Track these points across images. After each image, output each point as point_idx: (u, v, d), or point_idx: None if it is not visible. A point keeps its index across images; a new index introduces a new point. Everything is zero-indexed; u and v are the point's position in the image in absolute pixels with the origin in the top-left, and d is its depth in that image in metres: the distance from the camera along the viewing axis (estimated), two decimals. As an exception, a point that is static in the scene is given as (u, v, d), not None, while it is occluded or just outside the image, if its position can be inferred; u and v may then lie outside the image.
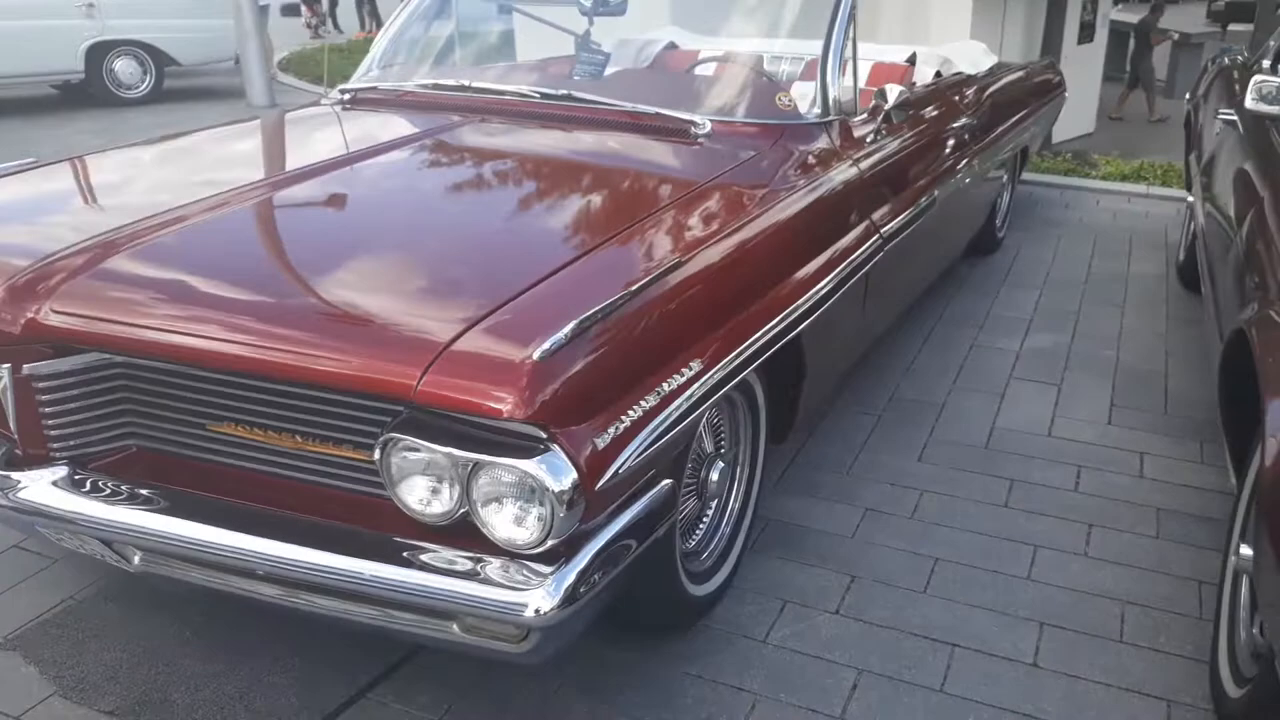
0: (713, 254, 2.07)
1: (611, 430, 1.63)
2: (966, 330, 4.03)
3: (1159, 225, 5.51)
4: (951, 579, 2.47)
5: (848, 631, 2.28)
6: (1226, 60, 5.09)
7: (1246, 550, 1.85)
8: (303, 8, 15.71)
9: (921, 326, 4.05)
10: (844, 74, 2.95)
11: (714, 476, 2.21)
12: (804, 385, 2.46)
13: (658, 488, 1.82)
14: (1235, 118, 3.43)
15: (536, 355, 1.54)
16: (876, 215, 2.78)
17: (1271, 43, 4.21)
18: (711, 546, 2.34)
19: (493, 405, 1.53)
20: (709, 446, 2.23)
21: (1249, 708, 1.86)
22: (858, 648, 2.23)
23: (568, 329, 1.59)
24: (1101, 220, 5.65)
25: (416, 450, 1.63)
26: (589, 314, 1.64)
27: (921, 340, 3.92)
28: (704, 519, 2.33)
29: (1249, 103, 2.71)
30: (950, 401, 3.42)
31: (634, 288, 1.76)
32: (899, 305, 3.37)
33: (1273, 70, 3.77)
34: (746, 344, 2.05)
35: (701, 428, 2.15)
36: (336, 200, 2.25)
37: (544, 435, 1.56)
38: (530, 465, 1.54)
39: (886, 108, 2.95)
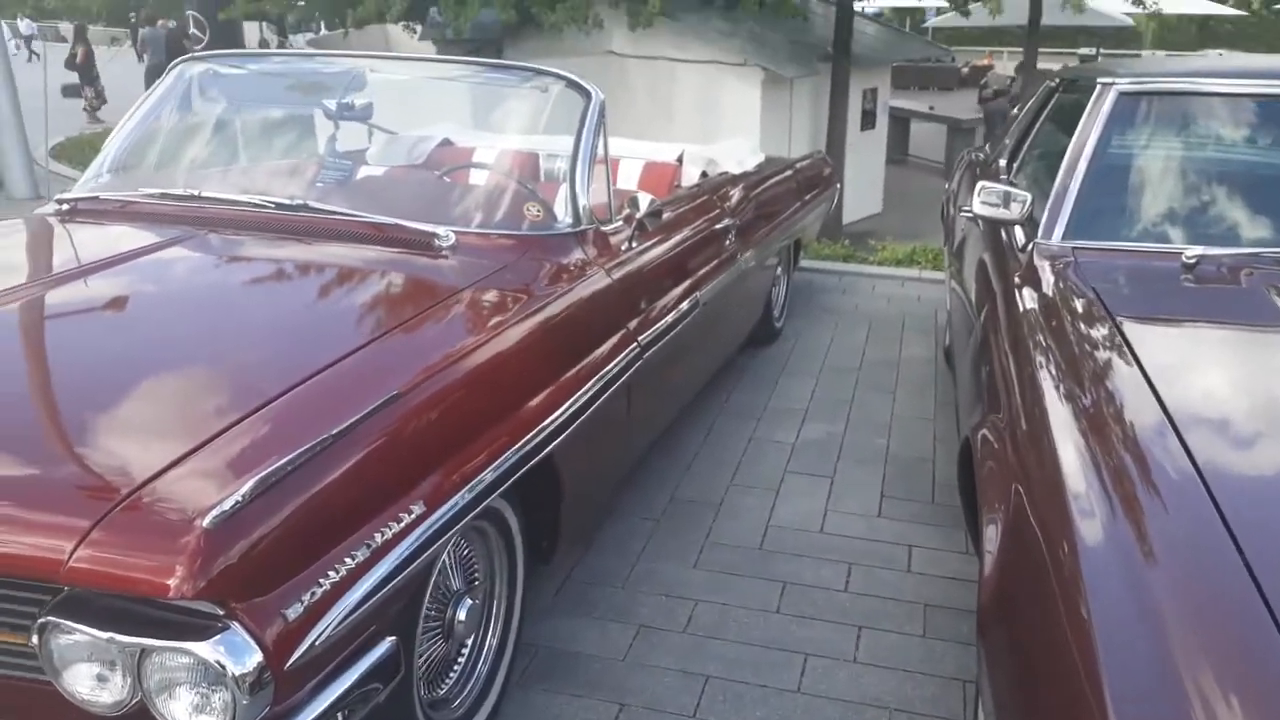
0: (444, 379, 1.95)
1: (306, 598, 1.46)
2: (746, 423, 4.05)
3: (929, 309, 5.79)
4: (722, 698, 2.39)
5: (612, 771, 2.15)
6: (974, 155, 5.46)
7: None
8: (85, 88, 14.79)
9: (703, 420, 4.05)
10: (608, 176, 2.94)
11: (461, 616, 2.06)
12: (563, 505, 2.36)
13: (378, 648, 1.65)
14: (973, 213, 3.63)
15: (206, 522, 1.37)
16: (633, 324, 2.74)
17: (1007, 142, 4.52)
18: (467, 690, 2.17)
19: (156, 582, 1.34)
20: (457, 584, 2.08)
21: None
22: (621, 790, 2.11)
23: (246, 488, 1.42)
24: (876, 305, 5.89)
25: (75, 634, 1.41)
26: (276, 467, 1.48)
27: (703, 435, 3.91)
28: (457, 662, 2.16)
29: (976, 207, 2.85)
30: (728, 500, 3.39)
31: (335, 430, 1.61)
32: (670, 410, 3.34)
33: (1007, 169, 4.03)
34: (485, 472, 1.93)
35: (446, 565, 2.00)
36: (5, 336, 2.00)
37: (220, 612, 1.37)
38: (204, 648, 1.35)
39: (639, 216, 2.93)
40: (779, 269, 4.91)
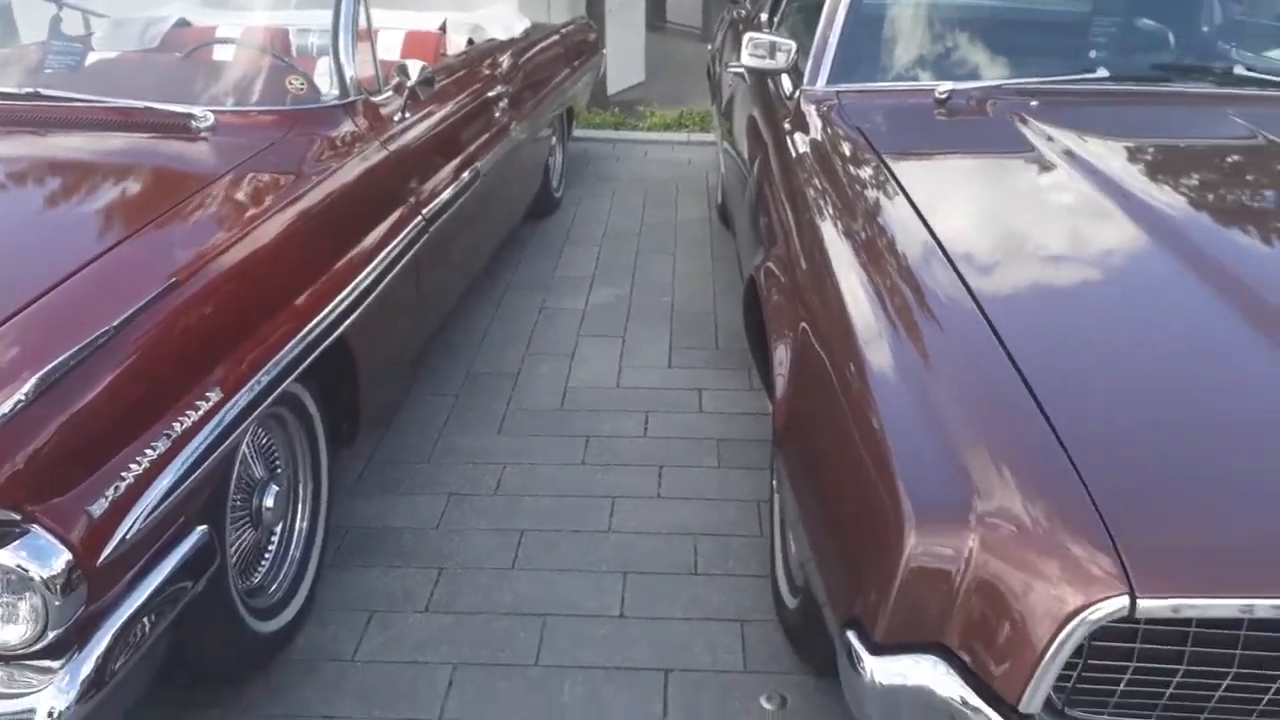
0: (223, 264, 1.87)
1: (110, 493, 1.42)
2: (535, 294, 4.10)
3: (700, 171, 5.95)
4: (538, 548, 2.50)
5: (439, 628, 2.23)
6: (735, 13, 5.57)
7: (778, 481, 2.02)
8: None
9: (492, 295, 4.06)
10: (373, 46, 2.82)
11: (269, 503, 2.04)
12: (360, 385, 2.34)
13: (190, 538, 1.62)
14: (742, 69, 3.74)
15: (-13, 426, 1.29)
16: (414, 197, 2.70)
17: (764, -2, 4.64)
18: (281, 576, 2.16)
19: (-62, 492, 1.26)
20: (259, 472, 2.05)
21: (802, 615, 2.05)
22: (450, 642, 2.19)
23: (29, 386, 1.35)
24: (650, 171, 6.00)
25: None
26: (56, 364, 1.40)
27: (493, 309, 3.93)
28: (268, 549, 2.14)
29: (745, 59, 2.94)
30: (525, 368, 3.46)
31: (115, 322, 1.54)
32: (459, 284, 3.33)
33: (769, 24, 4.16)
34: (278, 357, 1.89)
35: (246, 455, 1.96)
36: None
37: (17, 517, 1.31)
38: (5, 555, 1.29)
39: (410, 84, 2.85)
40: (553, 138, 4.89)
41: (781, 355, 1.87)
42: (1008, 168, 2.35)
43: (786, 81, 2.98)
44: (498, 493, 2.74)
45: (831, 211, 2.11)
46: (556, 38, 5.03)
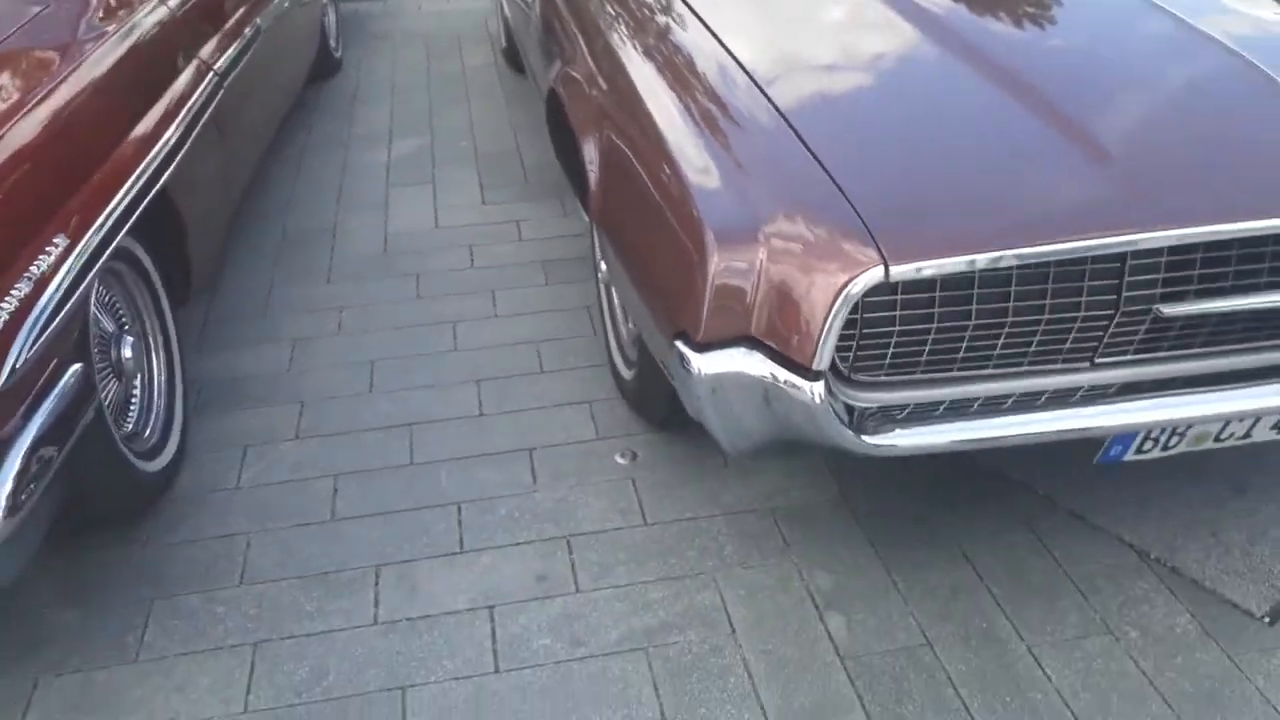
0: (39, 120, 1.90)
1: (-9, 327, 1.50)
2: (335, 152, 4.12)
3: (478, 20, 5.93)
4: (390, 373, 2.68)
5: (312, 449, 2.40)
6: None
7: (604, 264, 2.26)
8: None
9: (290, 158, 4.05)
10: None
11: (127, 353, 2.12)
12: (189, 241, 2.41)
13: (68, 374, 1.72)
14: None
15: None
16: (204, 53, 2.70)
17: None
18: (151, 423, 2.27)
19: None
20: (110, 326, 2.13)
21: (639, 380, 2.34)
22: (326, 459, 2.37)
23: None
24: (427, 24, 5.94)
25: None
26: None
27: (294, 171, 3.94)
28: (133, 398, 2.24)
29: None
30: (340, 222, 3.53)
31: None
32: (260, 140, 3.34)
33: None
34: (110, 210, 1.95)
35: (94, 307, 2.03)
36: None
37: (-90, 352, 1.40)
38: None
39: (177, -64, 2.79)
40: (324, -4, 4.79)
41: (590, 149, 2.09)
42: None
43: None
44: (340, 333, 2.88)
45: (619, 20, 2.30)
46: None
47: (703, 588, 2.02)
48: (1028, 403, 1.67)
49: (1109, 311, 1.59)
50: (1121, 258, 1.55)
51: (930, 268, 1.45)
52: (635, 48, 2.13)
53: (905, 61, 1.99)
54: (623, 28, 2.26)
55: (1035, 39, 2.01)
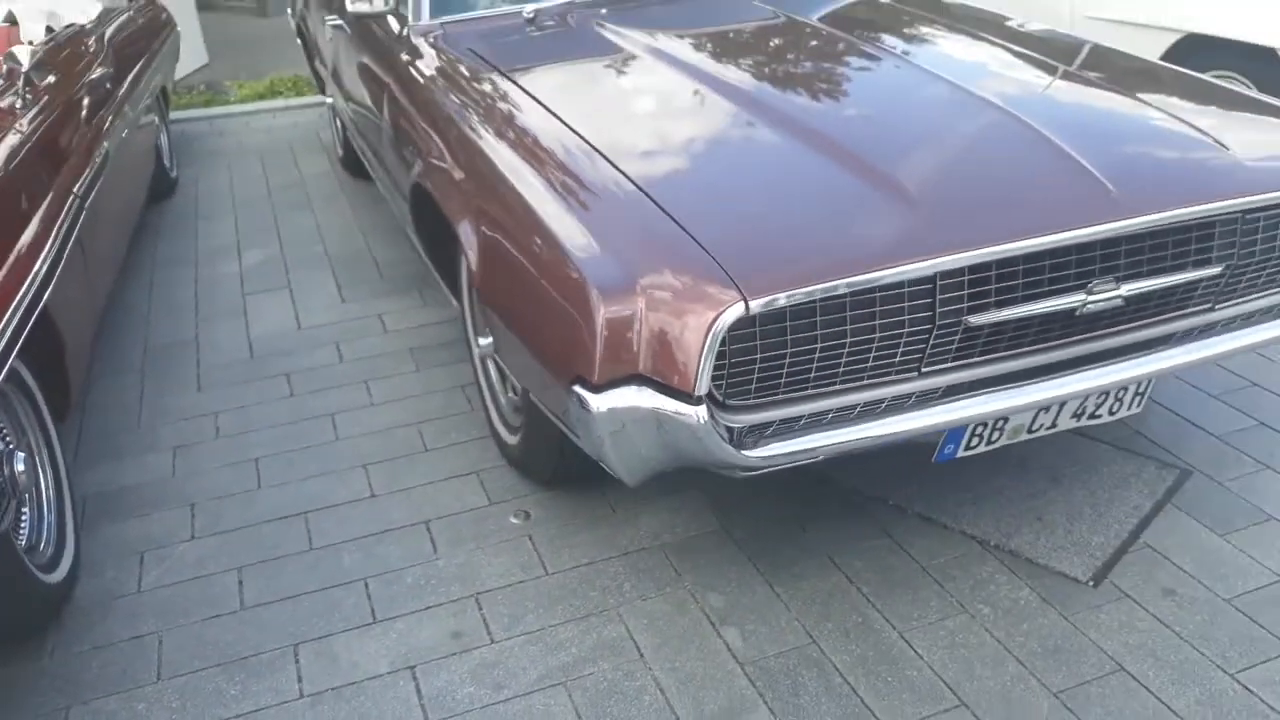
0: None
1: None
2: (184, 268, 4.15)
3: (309, 131, 6.07)
4: (277, 468, 2.75)
5: (211, 547, 2.45)
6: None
7: (484, 339, 2.44)
8: None
9: (140, 277, 4.06)
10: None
11: (20, 467, 2.15)
12: (67, 357, 2.45)
13: (-20, 485, 1.77)
14: (341, 22, 4.00)
15: None
16: (66, 177, 2.76)
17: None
18: (45, 535, 2.28)
19: None
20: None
21: (524, 443, 2.51)
22: (227, 554, 2.42)
23: None
24: (259, 139, 6.03)
25: None
26: None
27: (146, 290, 3.95)
28: (24, 513, 2.24)
29: (350, 7, 3.23)
30: (201, 333, 3.58)
31: None
32: (115, 259, 3.38)
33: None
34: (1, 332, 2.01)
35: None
36: None
37: None
38: None
39: (24, 70, 2.87)
40: (156, 118, 4.84)
41: (467, 233, 2.28)
42: (603, 64, 2.86)
43: (393, 22, 3.33)
44: (220, 437, 2.93)
45: (473, 113, 2.53)
46: (133, 15, 4.93)
47: (608, 622, 2.18)
48: (871, 411, 1.95)
49: (927, 326, 1.89)
50: (932, 279, 1.85)
51: (781, 299, 1.71)
52: (489, 134, 2.36)
53: (733, 131, 2.29)
54: (473, 117, 2.49)
55: (839, 106, 2.36)
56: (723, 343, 1.73)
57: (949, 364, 1.98)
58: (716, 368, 1.77)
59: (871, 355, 1.89)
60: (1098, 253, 1.97)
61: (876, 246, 1.82)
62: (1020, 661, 2.05)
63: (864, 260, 1.78)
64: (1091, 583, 2.24)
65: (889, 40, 2.84)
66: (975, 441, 2.13)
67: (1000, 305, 1.93)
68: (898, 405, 1.98)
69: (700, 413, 1.71)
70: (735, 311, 1.69)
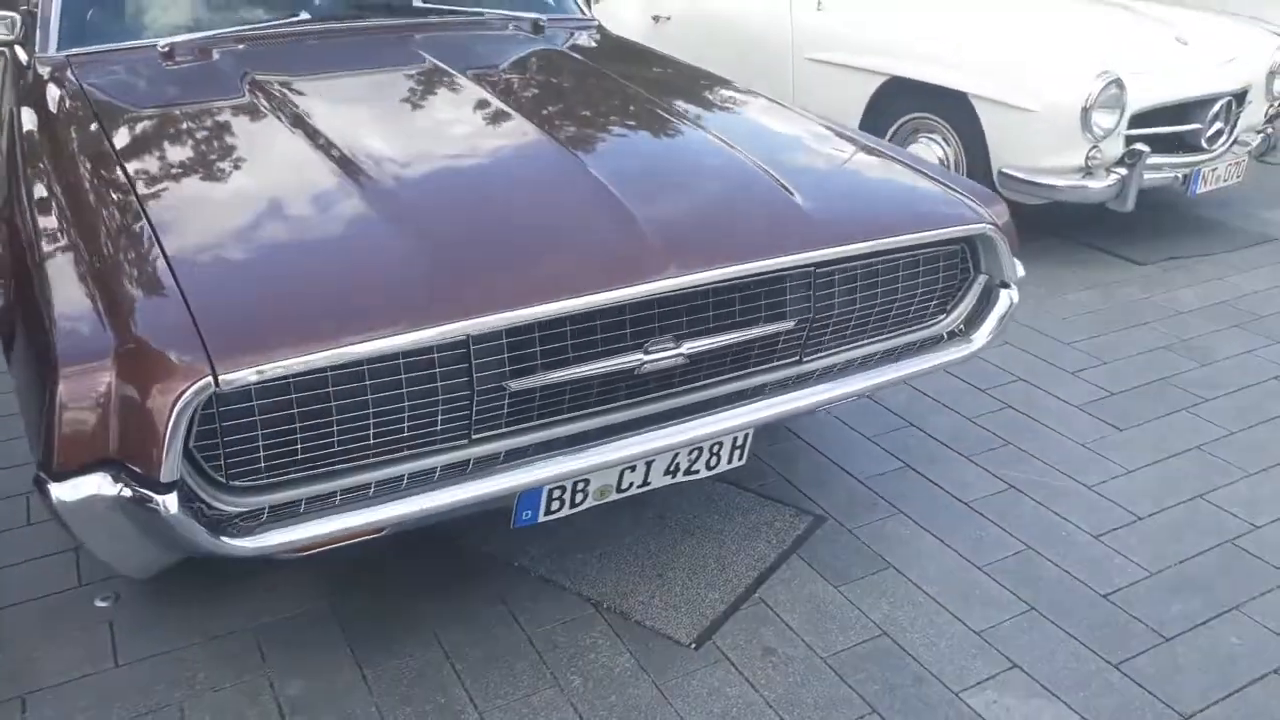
0: None
1: None
2: None
3: None
4: None
5: None
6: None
7: None
8: None
9: None
10: None
11: None
12: None
13: None
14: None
15: None
16: None
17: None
18: None
19: None
20: None
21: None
22: None
23: None
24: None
25: None
26: None
27: None
28: None
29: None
30: None
31: None
32: None
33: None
34: None
35: None
36: None
37: None
38: None
39: None
40: None
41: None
42: (211, 109, 2.61)
43: (22, 52, 3.06)
44: None
45: (42, 166, 2.28)
46: None
47: (166, 720, 1.98)
48: (423, 480, 1.82)
49: (467, 393, 1.78)
50: (465, 343, 1.74)
51: (269, 370, 1.56)
52: (43, 185, 2.15)
53: (301, 189, 2.07)
54: (42, 165, 2.27)
55: (413, 162, 2.17)
56: (207, 420, 1.57)
57: (503, 429, 1.87)
58: (211, 446, 1.60)
59: (405, 426, 1.76)
60: (655, 311, 1.91)
61: (391, 308, 1.69)
62: (598, 739, 1.95)
63: (370, 327, 1.65)
64: (694, 645, 2.17)
65: (528, 93, 2.73)
66: (556, 505, 2.03)
67: (548, 368, 1.84)
68: (454, 474, 1.86)
69: (169, 501, 1.54)
70: (202, 387, 1.53)
